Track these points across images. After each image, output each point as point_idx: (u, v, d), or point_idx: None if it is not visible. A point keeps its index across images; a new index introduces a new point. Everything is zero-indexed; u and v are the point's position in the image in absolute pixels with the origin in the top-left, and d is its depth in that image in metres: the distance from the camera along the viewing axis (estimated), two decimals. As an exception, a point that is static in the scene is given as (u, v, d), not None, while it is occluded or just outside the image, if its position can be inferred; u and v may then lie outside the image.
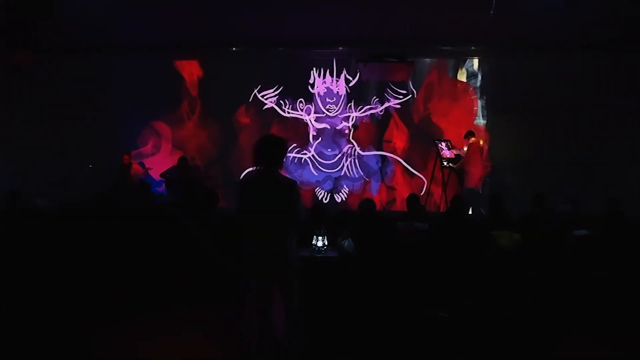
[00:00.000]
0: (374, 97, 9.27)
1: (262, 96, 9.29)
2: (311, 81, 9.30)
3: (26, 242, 4.77)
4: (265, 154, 3.47)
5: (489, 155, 8.98)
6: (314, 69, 9.31)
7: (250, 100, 9.30)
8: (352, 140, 9.32)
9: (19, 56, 7.74)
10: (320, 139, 9.33)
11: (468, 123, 9.03)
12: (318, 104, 9.31)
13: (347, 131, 9.31)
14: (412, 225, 4.91)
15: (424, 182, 8.87)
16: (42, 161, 8.85)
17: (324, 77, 9.31)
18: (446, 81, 9.35)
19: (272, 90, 9.29)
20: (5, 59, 7.86)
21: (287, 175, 3.73)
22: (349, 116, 9.29)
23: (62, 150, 8.89)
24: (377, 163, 9.31)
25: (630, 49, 8.35)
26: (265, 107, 9.31)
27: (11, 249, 4.72)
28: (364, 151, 9.31)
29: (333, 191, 9.29)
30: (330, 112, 9.28)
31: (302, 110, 9.32)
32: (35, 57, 7.81)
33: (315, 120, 9.30)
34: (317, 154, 9.32)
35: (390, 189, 9.31)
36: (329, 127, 9.30)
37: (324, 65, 9.30)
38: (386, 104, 9.27)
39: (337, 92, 9.29)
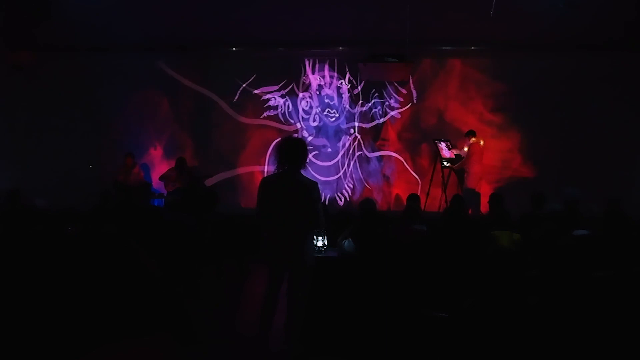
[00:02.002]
0: (373, 92, 9.13)
1: (263, 94, 9.25)
2: (307, 81, 9.22)
3: (26, 242, 4.76)
4: (286, 155, 3.54)
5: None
6: (308, 65, 9.21)
7: (249, 99, 9.28)
8: (358, 135, 9.19)
9: (19, 56, 7.75)
10: (313, 136, 9.22)
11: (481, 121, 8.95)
12: (316, 106, 9.23)
13: (351, 131, 9.22)
14: (412, 225, 4.91)
15: (418, 182, 8.87)
16: (42, 161, 8.85)
17: (319, 71, 9.21)
18: (455, 78, 9.20)
19: (275, 89, 9.24)
20: (5, 59, 7.87)
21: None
22: (352, 124, 9.20)
23: (62, 150, 8.89)
24: (378, 164, 9.28)
25: (629, 48, 8.34)
26: (267, 104, 9.26)
27: (11, 249, 4.72)
28: (368, 152, 9.22)
29: (335, 193, 9.22)
30: (330, 118, 9.22)
31: (303, 110, 9.28)
32: (36, 57, 7.82)
33: (313, 125, 9.21)
34: (312, 155, 8.99)
35: (390, 187, 9.28)
36: (327, 144, 9.18)
37: (323, 65, 9.26)
38: (390, 114, 9.09)
39: (339, 96, 9.20)
